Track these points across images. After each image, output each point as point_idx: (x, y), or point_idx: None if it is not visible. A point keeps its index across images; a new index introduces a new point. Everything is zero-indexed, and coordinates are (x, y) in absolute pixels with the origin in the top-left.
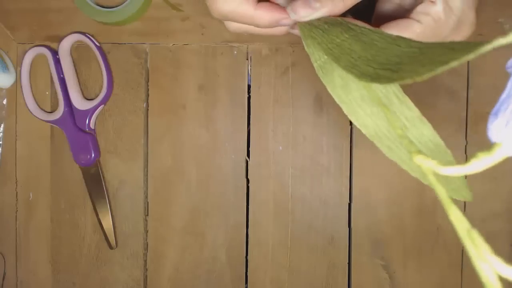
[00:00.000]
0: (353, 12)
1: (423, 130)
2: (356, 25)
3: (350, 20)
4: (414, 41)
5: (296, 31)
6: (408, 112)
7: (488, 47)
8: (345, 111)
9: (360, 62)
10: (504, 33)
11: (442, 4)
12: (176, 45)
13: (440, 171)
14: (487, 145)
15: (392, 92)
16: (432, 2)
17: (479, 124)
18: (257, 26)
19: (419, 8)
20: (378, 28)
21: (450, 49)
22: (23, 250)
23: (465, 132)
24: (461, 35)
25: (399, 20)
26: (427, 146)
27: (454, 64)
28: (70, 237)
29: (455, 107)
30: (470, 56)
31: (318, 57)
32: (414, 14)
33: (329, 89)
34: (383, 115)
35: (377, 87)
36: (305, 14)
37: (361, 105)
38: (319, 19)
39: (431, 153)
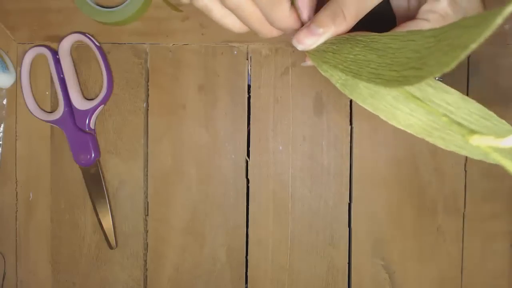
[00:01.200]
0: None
1: (469, 108)
2: (364, 36)
3: (355, 33)
4: (427, 30)
5: (309, 62)
6: (447, 96)
7: (499, 18)
8: (384, 118)
9: (381, 70)
10: (504, 33)
11: None
12: (176, 45)
13: (500, 145)
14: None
15: (424, 83)
16: None
17: None
18: (273, 22)
19: (425, 7)
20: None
21: (463, 28)
22: (23, 250)
23: None
24: None
25: (407, 22)
26: (479, 122)
27: (473, 46)
28: (70, 237)
29: None
30: (486, 33)
31: (338, 78)
32: (421, 14)
33: (360, 103)
34: (425, 108)
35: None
36: (311, 42)
37: (398, 106)
38: (324, 42)
39: (486, 128)
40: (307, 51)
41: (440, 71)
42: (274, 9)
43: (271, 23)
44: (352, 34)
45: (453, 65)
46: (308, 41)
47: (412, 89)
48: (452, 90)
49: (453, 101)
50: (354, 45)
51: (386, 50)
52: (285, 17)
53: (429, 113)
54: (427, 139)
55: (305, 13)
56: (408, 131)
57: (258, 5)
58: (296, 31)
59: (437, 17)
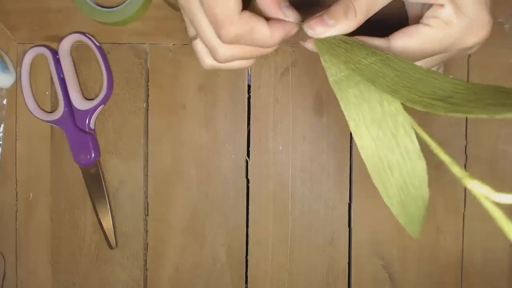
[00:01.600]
0: (368, 26)
1: (416, 166)
2: (380, 51)
3: (364, 39)
4: (452, 78)
5: (309, 45)
6: (409, 145)
7: None
8: (352, 129)
9: (400, 88)
10: (504, 33)
11: (451, 5)
12: (176, 45)
13: (494, 198)
14: (486, 145)
15: (400, 123)
16: (440, 5)
17: (479, 124)
18: (268, 45)
19: (428, 12)
20: (397, 56)
21: (507, 94)
22: (23, 250)
23: (465, 132)
24: (475, 37)
25: (408, 27)
26: (411, 182)
27: None
28: (70, 237)
29: None
30: None
31: (334, 72)
32: (424, 19)
33: (341, 105)
34: (386, 142)
35: (389, 115)
36: (321, 31)
37: (369, 127)
38: (334, 37)
39: (411, 189)
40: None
41: (489, 115)
42: (255, 38)
43: (265, 47)
44: (367, 43)
45: (501, 117)
46: (318, 29)
47: (390, 123)
48: (416, 143)
49: (410, 151)
50: (369, 53)
51: (404, 73)
52: (268, 37)
53: (387, 149)
54: (368, 165)
55: (272, 11)
56: (360, 150)
57: (246, 43)
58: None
59: (440, 23)
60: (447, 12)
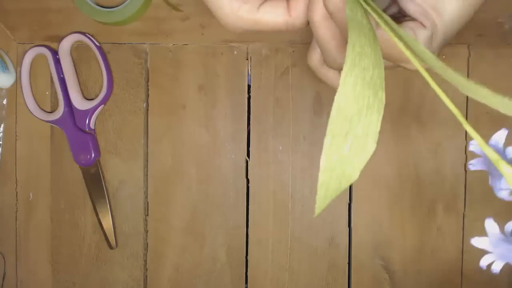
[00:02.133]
0: None
1: (366, 147)
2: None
3: None
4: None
5: None
6: (373, 123)
7: None
8: (344, 71)
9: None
10: (504, 33)
11: (430, 32)
12: (176, 45)
13: None
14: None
15: (378, 98)
16: (424, 26)
17: (479, 124)
18: (294, 28)
19: (410, 23)
20: None
21: None
22: (23, 250)
23: (465, 132)
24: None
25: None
26: (351, 161)
27: None
28: (70, 237)
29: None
30: None
31: (353, 10)
32: (404, 26)
33: (348, 42)
34: (359, 107)
35: (373, 85)
36: None
37: (357, 82)
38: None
39: (347, 167)
40: None
41: None
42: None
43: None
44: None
45: None
46: None
47: (370, 92)
48: (379, 124)
49: (370, 129)
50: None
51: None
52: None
53: (357, 114)
54: (330, 123)
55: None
56: (335, 98)
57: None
58: None
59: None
60: (424, 35)
